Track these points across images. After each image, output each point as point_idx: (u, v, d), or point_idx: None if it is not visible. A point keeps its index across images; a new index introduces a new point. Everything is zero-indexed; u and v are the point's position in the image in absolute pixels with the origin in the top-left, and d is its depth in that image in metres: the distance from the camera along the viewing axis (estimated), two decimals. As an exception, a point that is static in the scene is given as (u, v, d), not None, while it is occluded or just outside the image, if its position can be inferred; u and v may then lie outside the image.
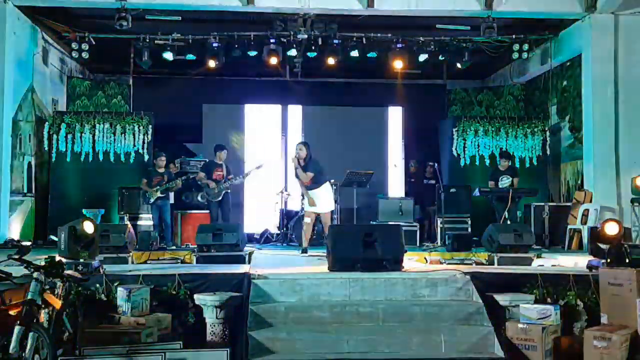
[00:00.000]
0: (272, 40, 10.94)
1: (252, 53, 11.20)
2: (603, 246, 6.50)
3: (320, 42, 11.09)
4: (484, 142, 11.54)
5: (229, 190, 9.97)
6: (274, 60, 11.21)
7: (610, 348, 5.12)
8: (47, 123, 11.13)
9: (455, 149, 11.53)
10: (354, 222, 10.60)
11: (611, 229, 6.40)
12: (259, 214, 12.30)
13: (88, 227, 6.21)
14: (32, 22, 10.77)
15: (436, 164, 10.71)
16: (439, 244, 10.06)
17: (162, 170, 10.26)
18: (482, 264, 7.88)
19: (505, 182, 10.18)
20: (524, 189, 10.18)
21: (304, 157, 8.48)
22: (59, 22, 11.02)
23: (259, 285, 5.83)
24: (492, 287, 5.85)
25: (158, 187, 9.98)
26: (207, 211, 10.15)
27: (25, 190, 10.64)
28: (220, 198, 9.84)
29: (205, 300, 5.43)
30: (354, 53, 11.15)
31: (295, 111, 13.41)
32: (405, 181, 12.94)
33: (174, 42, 11.17)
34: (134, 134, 11.19)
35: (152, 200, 9.99)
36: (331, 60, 11.20)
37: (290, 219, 10.95)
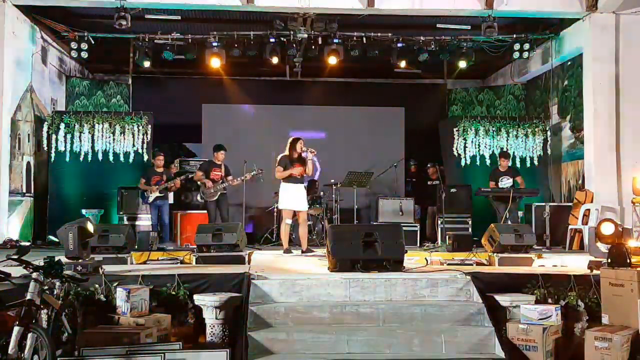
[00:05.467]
0: (272, 40, 10.94)
1: (252, 52, 11.19)
2: (604, 246, 6.50)
3: (320, 42, 11.08)
4: (484, 142, 11.53)
5: (225, 192, 9.93)
6: (274, 60, 11.20)
7: (611, 349, 5.10)
8: (46, 123, 11.12)
9: (456, 148, 11.51)
10: (354, 222, 10.58)
11: (607, 229, 6.40)
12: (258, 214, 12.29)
13: (91, 227, 6.25)
14: (31, 21, 10.76)
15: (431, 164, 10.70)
16: (439, 244, 10.03)
17: (160, 169, 10.25)
18: (483, 264, 7.85)
19: (505, 182, 10.16)
20: (524, 189, 10.17)
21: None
22: (58, 22, 11.02)
23: (258, 285, 5.81)
24: (493, 287, 5.82)
25: (157, 186, 9.97)
26: (206, 211, 10.13)
27: (24, 190, 10.63)
28: (215, 198, 9.81)
29: (205, 300, 5.40)
30: (354, 52, 11.13)
31: (295, 111, 13.39)
32: (405, 181, 12.94)
33: (173, 42, 11.17)
34: (133, 134, 11.18)
35: (150, 200, 9.98)
36: (331, 60, 11.18)
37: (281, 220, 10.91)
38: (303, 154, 8.49)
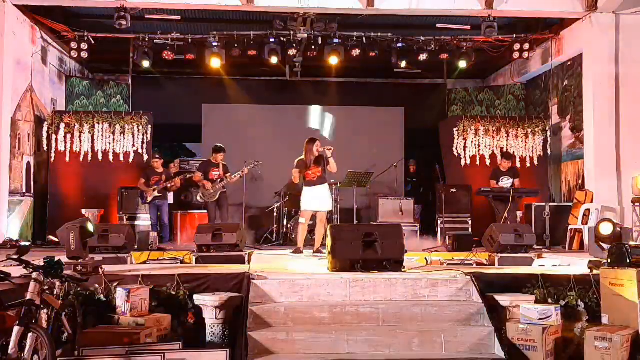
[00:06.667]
0: (272, 40, 10.94)
1: (252, 52, 11.19)
2: (604, 246, 6.50)
3: (320, 42, 11.09)
4: (484, 141, 11.53)
5: (225, 190, 9.94)
6: (274, 60, 11.21)
7: (611, 349, 5.10)
8: (46, 123, 11.13)
9: (456, 148, 11.52)
10: (354, 222, 10.57)
11: (605, 229, 6.40)
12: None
13: (91, 227, 6.31)
14: (31, 21, 10.76)
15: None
16: (439, 244, 10.03)
17: (160, 170, 10.26)
18: (483, 264, 7.85)
19: (506, 182, 10.16)
20: (524, 189, 10.18)
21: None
22: (58, 22, 11.01)
23: (258, 285, 5.81)
24: (493, 287, 5.82)
25: (155, 186, 9.99)
26: (206, 211, 10.14)
27: (24, 190, 10.63)
28: (216, 198, 9.81)
29: (205, 300, 5.40)
30: (354, 52, 11.13)
31: (295, 111, 13.39)
32: (405, 181, 12.95)
33: (173, 42, 11.16)
34: (133, 134, 11.19)
35: (149, 200, 9.99)
36: (331, 60, 11.19)
37: (290, 219, 10.92)
38: (320, 153, 8.48)
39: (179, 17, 11.22)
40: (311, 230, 9.31)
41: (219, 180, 9.86)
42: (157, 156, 10.49)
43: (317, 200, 8.51)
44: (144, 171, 10.43)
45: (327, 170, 8.59)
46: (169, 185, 10.10)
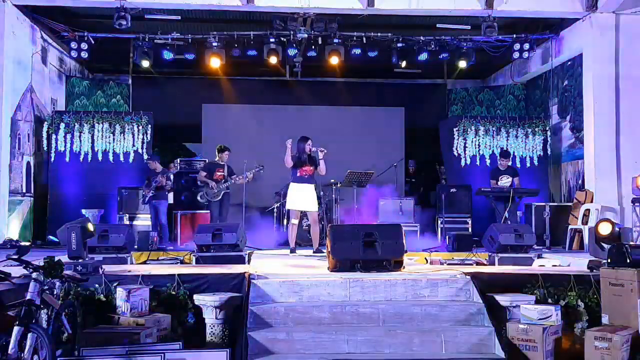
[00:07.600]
0: (272, 40, 10.95)
1: (252, 52, 11.19)
2: (604, 246, 6.49)
3: (320, 42, 11.09)
4: (484, 141, 11.54)
5: (229, 191, 9.95)
6: (273, 60, 11.21)
7: (611, 349, 5.10)
8: (46, 123, 11.13)
9: (456, 148, 11.52)
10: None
11: (604, 229, 6.42)
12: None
13: (91, 227, 6.33)
14: (31, 21, 10.76)
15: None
16: (439, 244, 10.03)
17: (158, 170, 10.28)
18: (483, 264, 7.86)
19: (505, 181, 10.16)
20: (524, 189, 10.17)
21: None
22: (58, 22, 11.01)
23: (258, 285, 5.81)
24: (493, 287, 5.82)
25: (154, 184, 10.04)
26: (207, 211, 10.15)
27: (24, 190, 10.63)
28: (219, 198, 9.84)
29: (205, 300, 5.40)
30: (354, 52, 11.14)
31: (295, 111, 13.39)
32: (405, 181, 12.95)
33: (173, 42, 11.17)
34: (133, 134, 11.20)
35: (145, 199, 10.03)
36: (332, 60, 11.19)
37: (289, 219, 10.90)
38: (312, 154, 8.47)
39: (179, 17, 11.21)
40: (309, 230, 9.33)
41: (223, 180, 9.88)
42: (147, 158, 10.56)
43: (305, 199, 8.44)
44: (147, 173, 10.48)
45: (317, 172, 8.57)
46: (164, 183, 10.11)
